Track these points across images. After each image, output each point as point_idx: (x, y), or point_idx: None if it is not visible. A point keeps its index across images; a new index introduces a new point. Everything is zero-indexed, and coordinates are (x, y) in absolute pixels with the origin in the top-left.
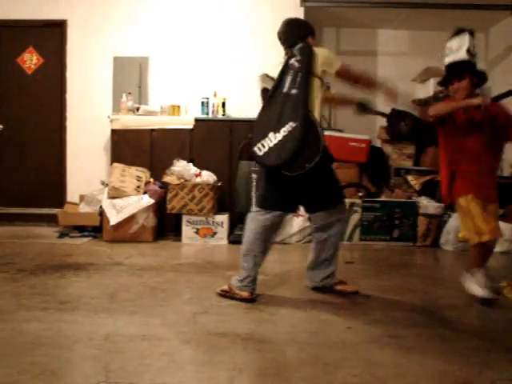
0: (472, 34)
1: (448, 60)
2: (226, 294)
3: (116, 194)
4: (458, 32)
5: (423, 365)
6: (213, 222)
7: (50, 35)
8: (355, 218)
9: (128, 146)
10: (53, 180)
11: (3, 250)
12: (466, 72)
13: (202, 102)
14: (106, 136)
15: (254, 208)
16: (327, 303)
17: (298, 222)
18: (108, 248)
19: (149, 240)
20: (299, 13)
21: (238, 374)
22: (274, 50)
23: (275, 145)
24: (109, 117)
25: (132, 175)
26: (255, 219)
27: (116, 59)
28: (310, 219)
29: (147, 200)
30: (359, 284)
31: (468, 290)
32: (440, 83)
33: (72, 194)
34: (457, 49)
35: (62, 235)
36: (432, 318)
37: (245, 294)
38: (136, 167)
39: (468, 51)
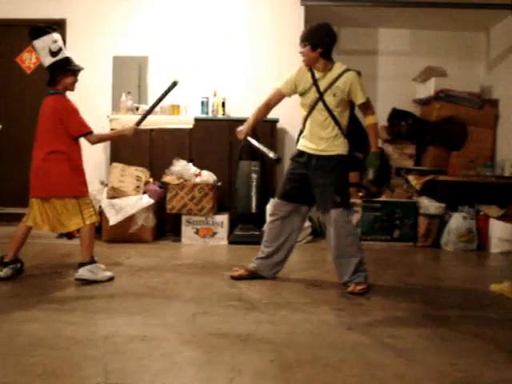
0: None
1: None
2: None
3: (115, 194)
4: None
5: (423, 365)
6: (212, 222)
7: None
8: (355, 218)
9: (127, 146)
10: None
11: (3, 250)
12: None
13: (202, 102)
14: None
15: (343, 212)
16: (327, 304)
17: None
18: (107, 248)
19: (148, 240)
20: (299, 12)
21: (237, 374)
22: (273, 48)
23: None
24: (108, 116)
25: (131, 175)
26: (351, 222)
27: (116, 58)
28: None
29: (147, 200)
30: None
31: None
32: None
33: None
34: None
35: (61, 235)
36: (432, 318)
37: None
38: (135, 167)
39: (51, 51)
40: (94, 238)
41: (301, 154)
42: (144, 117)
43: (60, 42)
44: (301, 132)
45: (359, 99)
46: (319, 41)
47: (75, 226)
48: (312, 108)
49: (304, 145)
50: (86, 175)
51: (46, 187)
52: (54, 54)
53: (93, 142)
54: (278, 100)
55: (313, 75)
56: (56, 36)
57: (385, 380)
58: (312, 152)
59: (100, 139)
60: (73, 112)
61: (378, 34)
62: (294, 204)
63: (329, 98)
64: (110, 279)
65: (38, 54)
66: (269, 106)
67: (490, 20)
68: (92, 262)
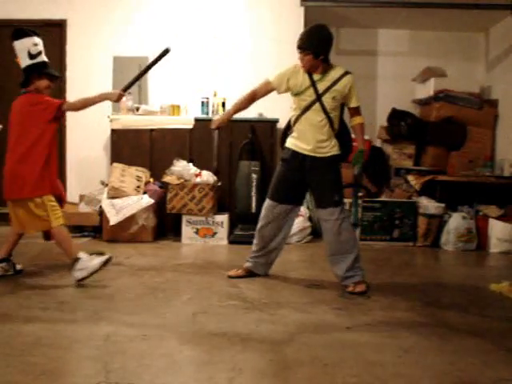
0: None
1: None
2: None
3: (116, 193)
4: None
5: (423, 365)
6: (213, 222)
7: (50, 35)
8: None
9: (128, 146)
10: None
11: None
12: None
13: (202, 102)
14: (105, 136)
15: (340, 210)
16: (327, 303)
17: (297, 222)
18: (108, 248)
19: (149, 240)
20: (299, 12)
21: (237, 374)
22: (273, 48)
23: None
24: (108, 116)
25: (132, 175)
26: (347, 219)
27: (116, 59)
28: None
29: (147, 200)
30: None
31: None
32: (21, 84)
33: (72, 194)
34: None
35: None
36: (432, 317)
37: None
38: (136, 167)
39: (30, 54)
40: (69, 236)
41: (294, 154)
42: (132, 82)
43: (40, 47)
44: (286, 129)
45: (354, 103)
46: (321, 49)
47: (42, 228)
48: (307, 109)
49: (296, 145)
50: (56, 170)
51: (16, 189)
52: (32, 56)
53: (77, 109)
54: (266, 92)
55: (310, 76)
56: (37, 40)
57: (384, 380)
58: (307, 153)
59: (83, 104)
60: (41, 98)
61: (378, 34)
62: (287, 205)
63: (327, 101)
64: (108, 261)
65: (17, 55)
66: (255, 96)
67: (490, 20)
68: (75, 261)
